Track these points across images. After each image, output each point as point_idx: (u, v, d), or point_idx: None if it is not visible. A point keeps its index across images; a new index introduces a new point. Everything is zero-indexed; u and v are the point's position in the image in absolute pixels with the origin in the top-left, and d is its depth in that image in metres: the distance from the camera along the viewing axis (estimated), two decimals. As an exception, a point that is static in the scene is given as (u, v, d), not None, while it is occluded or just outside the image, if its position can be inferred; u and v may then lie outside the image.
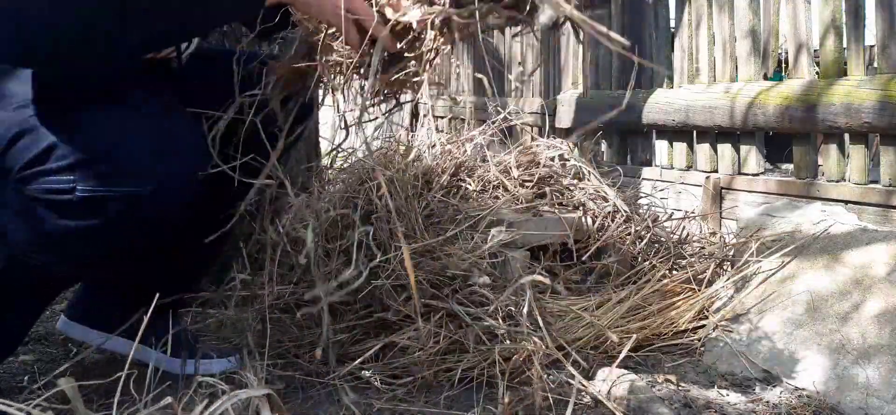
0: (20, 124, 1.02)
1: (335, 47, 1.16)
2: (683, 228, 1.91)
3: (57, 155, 1.01)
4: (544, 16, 1.11)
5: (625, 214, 1.81)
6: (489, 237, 1.58)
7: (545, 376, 1.32)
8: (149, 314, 1.46)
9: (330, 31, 1.15)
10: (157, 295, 1.48)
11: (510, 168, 1.91)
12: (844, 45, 2.15)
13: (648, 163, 3.03)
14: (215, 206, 1.40)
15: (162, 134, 1.07)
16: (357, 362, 1.42)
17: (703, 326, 1.59)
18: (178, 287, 1.55)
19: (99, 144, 1.02)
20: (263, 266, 1.84)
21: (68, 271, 1.12)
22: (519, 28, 1.19)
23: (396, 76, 1.11)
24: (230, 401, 0.80)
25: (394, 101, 1.32)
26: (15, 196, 1.04)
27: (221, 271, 1.93)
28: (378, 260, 1.51)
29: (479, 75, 5.11)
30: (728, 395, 1.35)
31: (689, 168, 2.76)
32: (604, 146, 3.26)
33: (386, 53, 1.11)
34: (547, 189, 1.92)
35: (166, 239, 1.16)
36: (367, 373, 1.39)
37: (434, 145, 1.84)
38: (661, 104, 2.79)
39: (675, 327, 1.58)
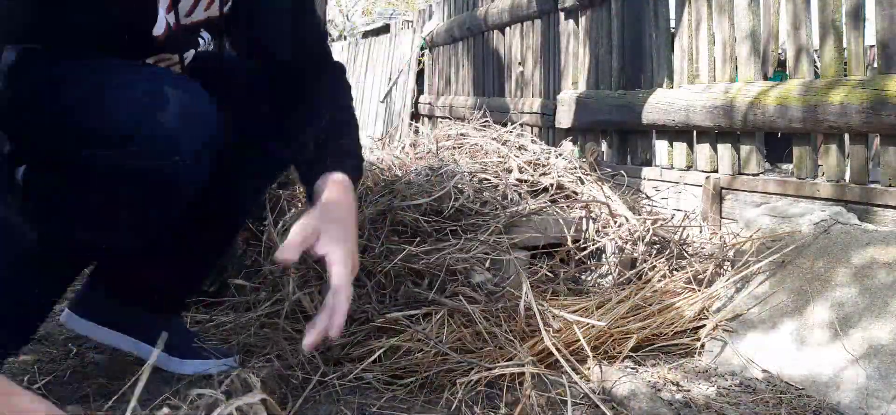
0: (64, 110, 1.07)
1: None
2: (684, 228, 1.91)
3: (90, 132, 1.06)
4: None
5: (625, 214, 1.81)
6: (484, 237, 1.59)
7: (545, 376, 1.32)
8: (150, 313, 1.48)
9: None
10: (161, 293, 1.49)
11: (521, 168, 1.92)
12: (844, 45, 2.16)
13: (649, 163, 3.03)
14: (222, 203, 1.40)
15: (186, 105, 1.11)
16: (361, 366, 1.42)
17: (703, 326, 1.59)
18: (183, 285, 1.55)
19: (127, 120, 1.06)
20: (261, 269, 1.84)
21: (99, 245, 1.17)
22: None
23: None
24: (228, 408, 0.80)
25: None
26: (54, 176, 1.09)
27: (219, 274, 1.93)
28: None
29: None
30: (728, 395, 1.35)
31: (689, 168, 2.76)
32: (604, 146, 3.26)
33: None
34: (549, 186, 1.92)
35: (184, 205, 1.20)
36: (368, 374, 1.39)
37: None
38: (661, 104, 2.79)
39: (675, 327, 1.58)
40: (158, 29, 1.22)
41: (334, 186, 1.21)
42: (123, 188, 1.10)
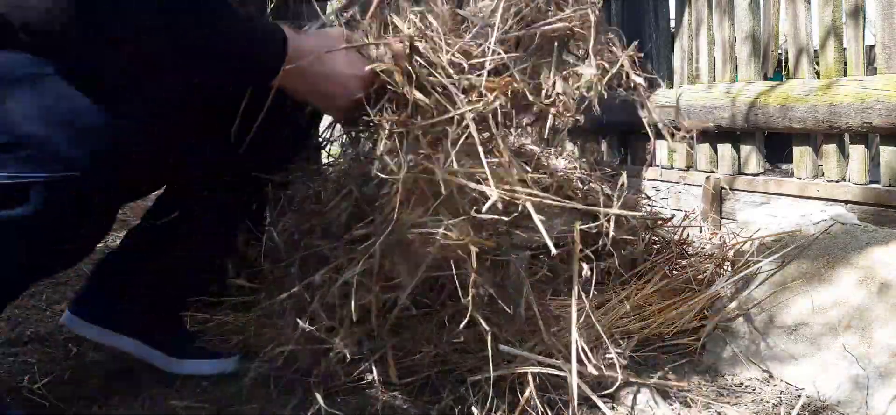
0: None
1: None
2: (684, 228, 1.91)
3: None
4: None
5: (625, 215, 1.81)
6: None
7: (545, 376, 1.32)
8: (150, 314, 1.48)
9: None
10: (161, 295, 1.49)
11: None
12: (844, 46, 2.16)
13: (649, 163, 3.03)
14: (227, 202, 1.39)
15: (80, 112, 1.02)
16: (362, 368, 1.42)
17: (703, 326, 1.59)
18: (185, 286, 1.55)
19: (15, 127, 0.98)
20: (261, 269, 1.84)
21: (5, 267, 1.05)
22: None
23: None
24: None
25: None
26: None
27: (220, 274, 1.92)
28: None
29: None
30: (728, 395, 1.35)
31: (689, 168, 2.76)
32: (604, 146, 3.26)
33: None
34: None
35: (100, 222, 1.12)
36: (368, 374, 1.39)
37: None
38: (661, 104, 2.79)
39: (676, 327, 1.58)
40: None
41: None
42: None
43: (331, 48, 1.13)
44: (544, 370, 1.32)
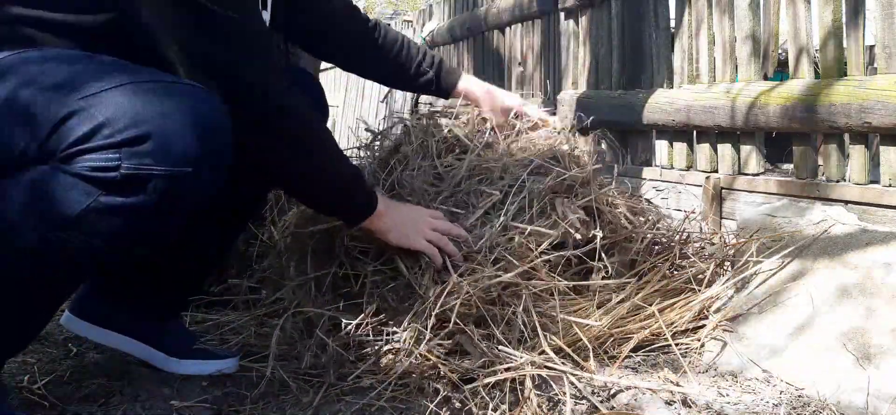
0: (69, 105, 1.03)
1: None
2: (684, 228, 1.91)
3: (104, 134, 1.02)
4: None
5: (626, 214, 1.81)
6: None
7: (545, 377, 1.32)
8: (151, 314, 1.48)
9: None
10: (161, 295, 1.49)
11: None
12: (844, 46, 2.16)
13: (649, 163, 3.03)
14: (227, 202, 1.40)
15: (202, 113, 1.09)
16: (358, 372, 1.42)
17: (703, 326, 1.59)
18: (184, 286, 1.55)
19: (143, 123, 1.03)
20: (262, 269, 1.85)
21: (98, 253, 1.10)
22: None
23: None
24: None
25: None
26: (53, 176, 1.04)
27: (221, 274, 1.93)
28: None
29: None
30: (728, 395, 1.35)
31: (689, 168, 2.76)
32: (604, 146, 3.26)
33: None
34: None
35: (193, 218, 1.18)
36: (370, 376, 1.39)
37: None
38: (661, 104, 2.79)
39: (675, 327, 1.58)
40: None
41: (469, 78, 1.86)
42: (120, 197, 1.05)
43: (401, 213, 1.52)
44: (543, 371, 1.32)
